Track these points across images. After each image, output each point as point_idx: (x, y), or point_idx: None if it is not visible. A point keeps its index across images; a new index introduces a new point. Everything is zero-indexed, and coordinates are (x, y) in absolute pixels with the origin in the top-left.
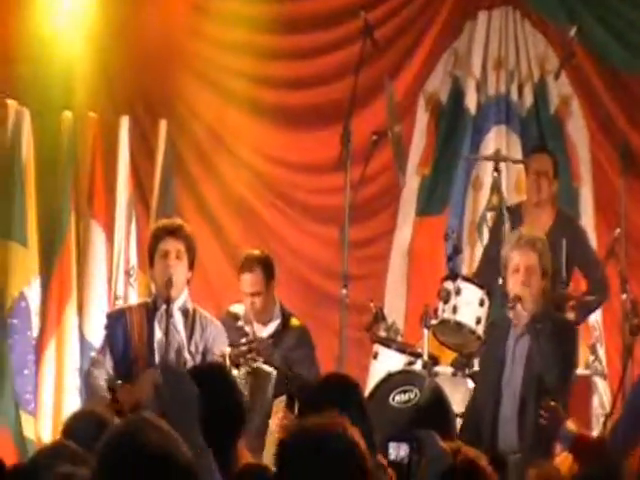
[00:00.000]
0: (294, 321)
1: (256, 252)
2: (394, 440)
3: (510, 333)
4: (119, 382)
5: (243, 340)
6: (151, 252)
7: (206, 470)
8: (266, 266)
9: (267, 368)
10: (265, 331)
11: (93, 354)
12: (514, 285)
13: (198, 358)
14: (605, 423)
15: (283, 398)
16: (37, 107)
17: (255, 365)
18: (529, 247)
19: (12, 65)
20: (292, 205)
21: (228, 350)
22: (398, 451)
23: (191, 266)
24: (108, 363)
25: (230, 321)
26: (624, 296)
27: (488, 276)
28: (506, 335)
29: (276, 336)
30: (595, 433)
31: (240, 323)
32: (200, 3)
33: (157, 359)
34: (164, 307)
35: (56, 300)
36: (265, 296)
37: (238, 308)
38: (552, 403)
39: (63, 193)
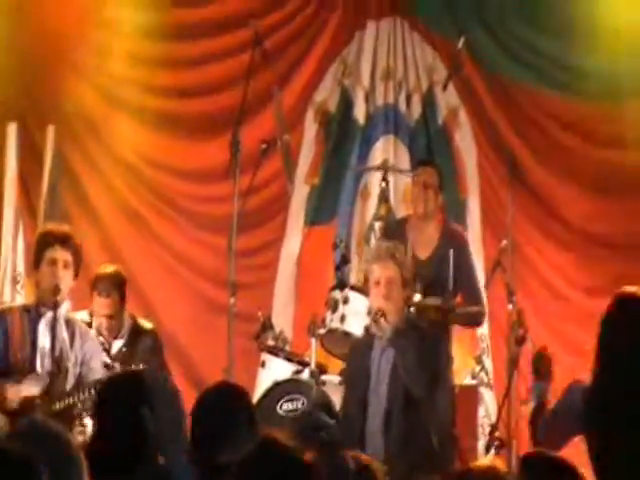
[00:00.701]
0: (144, 324)
1: (109, 270)
2: None
3: (374, 345)
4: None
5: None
6: (37, 256)
7: None
8: (121, 288)
9: None
10: (118, 342)
11: None
12: (376, 298)
13: (77, 369)
14: (491, 433)
15: None
16: None
17: None
18: (389, 258)
19: None
20: (180, 212)
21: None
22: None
23: (76, 275)
24: None
25: None
26: (510, 307)
27: None
28: (370, 348)
29: (129, 345)
30: (481, 443)
31: (93, 332)
32: (88, 9)
33: (39, 364)
34: (50, 313)
35: None
36: (119, 316)
37: (83, 315)
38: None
39: None
